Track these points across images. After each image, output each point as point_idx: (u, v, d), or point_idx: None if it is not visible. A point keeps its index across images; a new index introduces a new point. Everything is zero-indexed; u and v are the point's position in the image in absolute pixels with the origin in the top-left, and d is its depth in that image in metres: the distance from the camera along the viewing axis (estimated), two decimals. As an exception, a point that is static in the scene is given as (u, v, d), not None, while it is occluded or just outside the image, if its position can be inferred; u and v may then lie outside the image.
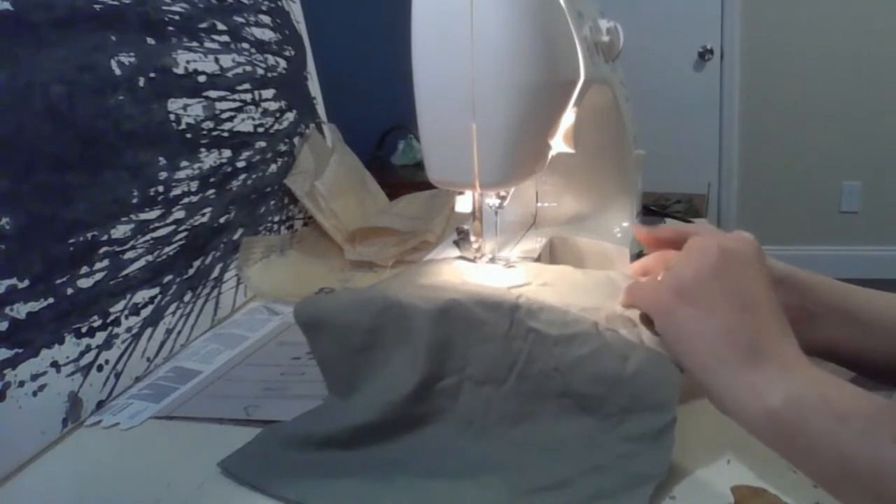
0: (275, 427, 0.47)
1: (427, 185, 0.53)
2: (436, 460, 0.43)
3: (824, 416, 0.34)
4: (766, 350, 0.38)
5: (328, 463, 0.43)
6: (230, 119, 0.76)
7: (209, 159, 0.71)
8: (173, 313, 0.63)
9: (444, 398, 0.45)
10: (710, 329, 0.39)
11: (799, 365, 0.37)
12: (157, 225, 0.62)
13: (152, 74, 0.64)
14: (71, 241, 0.53)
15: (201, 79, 0.72)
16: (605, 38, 0.55)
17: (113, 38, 0.60)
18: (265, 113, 0.83)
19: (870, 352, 0.48)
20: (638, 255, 0.77)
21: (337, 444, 0.44)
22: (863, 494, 0.33)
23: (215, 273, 0.70)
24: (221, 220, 0.72)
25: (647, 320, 0.45)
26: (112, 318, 0.56)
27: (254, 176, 0.79)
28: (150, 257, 0.61)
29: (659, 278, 0.46)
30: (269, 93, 0.84)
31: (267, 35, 0.86)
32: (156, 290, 0.61)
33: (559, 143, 0.52)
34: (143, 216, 0.61)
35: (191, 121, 0.69)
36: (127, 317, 0.58)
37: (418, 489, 0.41)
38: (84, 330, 0.53)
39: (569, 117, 0.51)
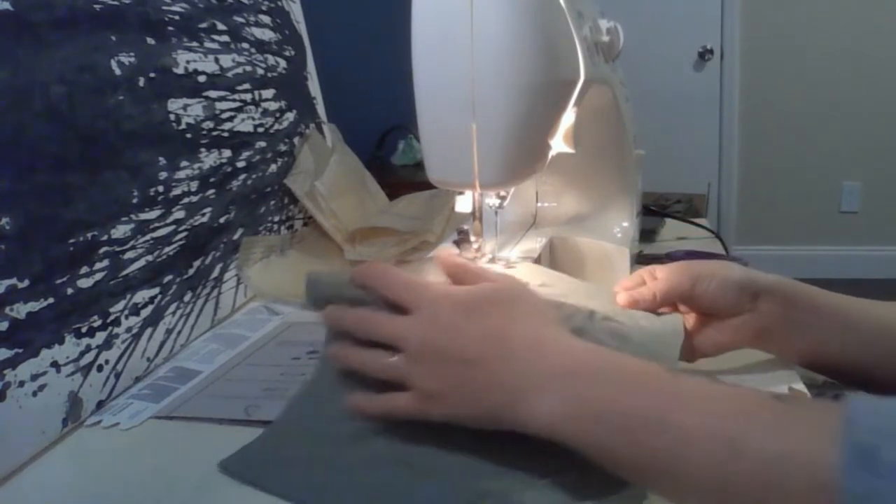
0: (275, 425, 0.47)
1: (427, 185, 0.53)
2: (440, 456, 0.43)
3: (583, 416, 0.36)
4: (520, 382, 0.39)
5: (330, 458, 0.43)
6: (230, 119, 0.76)
7: (209, 159, 0.71)
8: (173, 313, 0.63)
9: None
10: (463, 407, 0.41)
11: (551, 376, 0.38)
12: (157, 225, 0.62)
13: (152, 74, 0.64)
14: (71, 241, 0.53)
15: (201, 79, 0.72)
16: (605, 38, 0.55)
17: (113, 38, 0.60)
18: (265, 113, 0.83)
19: (853, 358, 0.48)
20: (638, 256, 0.77)
21: (340, 441, 0.44)
22: (630, 476, 0.37)
23: (215, 273, 0.70)
24: (221, 220, 0.72)
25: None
26: (112, 318, 0.56)
27: (254, 176, 0.79)
28: (150, 257, 0.61)
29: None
30: (269, 93, 0.84)
31: (267, 35, 0.86)
32: (156, 290, 0.61)
33: (559, 143, 0.52)
34: (143, 216, 0.61)
35: (191, 121, 0.69)
36: (127, 317, 0.58)
37: (421, 484, 0.41)
38: (84, 330, 0.53)
39: (569, 117, 0.51)
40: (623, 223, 0.70)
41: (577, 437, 0.37)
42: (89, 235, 0.55)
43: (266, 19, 0.87)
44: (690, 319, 0.50)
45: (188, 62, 0.70)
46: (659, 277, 0.50)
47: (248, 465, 0.44)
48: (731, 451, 0.32)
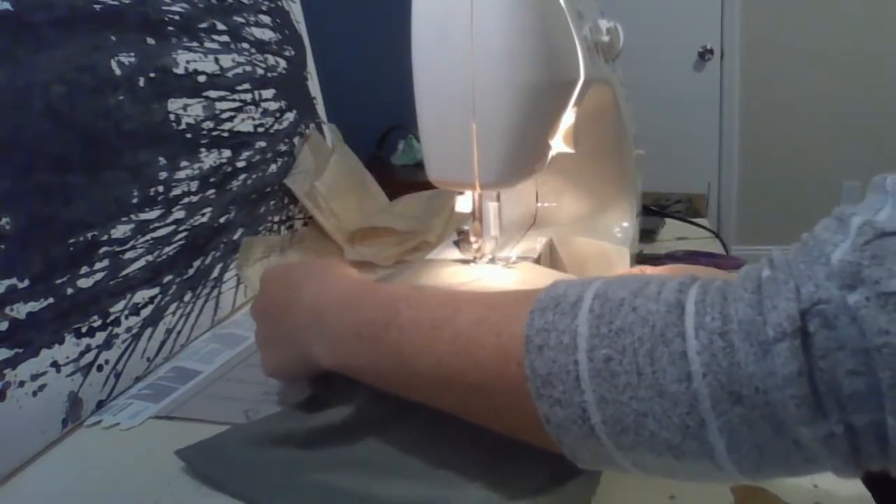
0: (236, 426, 0.47)
1: (427, 185, 0.53)
2: (398, 458, 0.43)
3: (348, 339, 0.42)
4: (304, 326, 0.45)
5: (286, 461, 0.43)
6: (230, 119, 0.76)
7: (209, 159, 0.71)
8: (173, 313, 0.63)
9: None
10: (277, 355, 0.50)
11: (323, 313, 0.44)
12: (157, 225, 0.62)
13: (152, 74, 0.64)
14: (71, 241, 0.53)
15: (201, 79, 0.72)
16: (605, 38, 0.55)
17: (113, 38, 0.60)
18: (265, 113, 0.83)
19: None
20: (638, 255, 0.77)
21: (295, 443, 0.44)
22: (394, 384, 0.41)
23: (215, 273, 0.70)
24: (221, 220, 0.72)
25: None
26: (112, 318, 0.56)
27: (254, 176, 0.79)
28: (150, 257, 0.61)
29: None
30: (269, 93, 0.84)
31: (267, 35, 0.86)
32: (156, 290, 0.61)
33: (559, 143, 0.52)
34: (143, 216, 0.61)
35: (191, 121, 0.69)
36: (127, 317, 0.58)
37: (379, 486, 0.40)
38: (84, 330, 0.53)
39: (569, 117, 0.51)
40: (623, 223, 0.70)
41: (344, 362, 0.43)
42: (89, 235, 0.55)
43: (266, 19, 0.87)
44: None
45: (188, 62, 0.70)
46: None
47: (206, 459, 0.44)
48: (434, 326, 0.36)
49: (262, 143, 0.81)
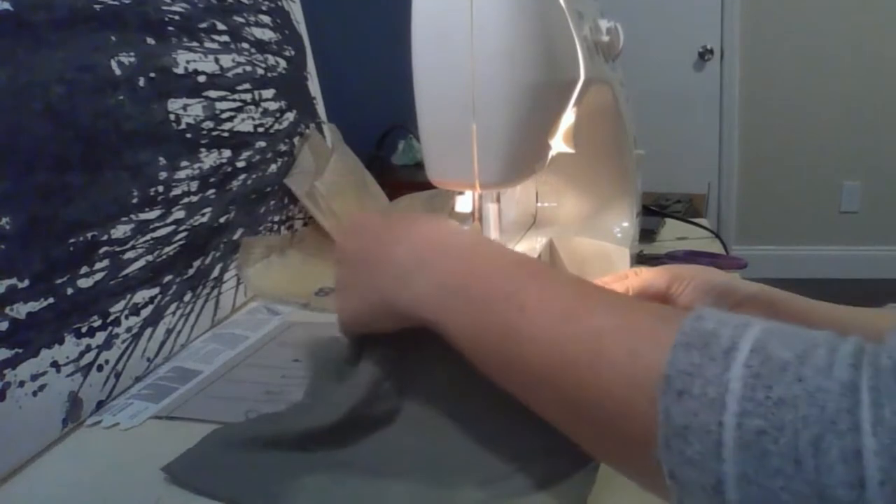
0: (220, 429, 0.47)
1: (427, 185, 0.53)
2: (387, 460, 0.43)
3: (452, 292, 0.39)
4: (403, 263, 0.42)
5: (274, 464, 0.43)
6: (230, 119, 0.76)
7: (209, 159, 0.71)
8: (173, 313, 0.63)
9: (391, 398, 0.46)
10: (363, 296, 0.46)
11: (428, 255, 0.41)
12: (157, 225, 0.62)
13: (152, 74, 0.64)
14: (71, 241, 0.53)
15: (201, 79, 0.72)
16: (605, 38, 0.55)
17: (113, 38, 0.60)
18: (265, 113, 0.83)
19: None
20: (638, 256, 0.77)
21: (285, 446, 0.44)
22: (487, 358, 0.37)
23: (215, 273, 0.70)
24: (221, 220, 0.72)
25: None
26: (112, 318, 0.56)
27: (254, 176, 0.79)
28: (150, 257, 0.61)
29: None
30: (269, 93, 0.84)
31: (267, 35, 0.86)
32: (156, 290, 0.61)
33: (559, 143, 0.52)
34: (143, 216, 0.61)
35: (191, 121, 0.69)
36: (127, 317, 0.58)
37: (367, 488, 0.40)
38: (84, 330, 0.53)
39: (569, 117, 0.51)
40: (623, 223, 0.70)
41: (437, 316, 0.39)
42: (89, 235, 0.55)
43: (266, 19, 0.87)
44: None
45: (188, 62, 0.70)
46: (639, 275, 0.51)
47: (193, 469, 0.43)
48: (564, 319, 0.33)
49: (262, 143, 0.81)
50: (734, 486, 0.24)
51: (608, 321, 0.31)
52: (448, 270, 0.39)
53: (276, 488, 0.41)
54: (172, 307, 0.63)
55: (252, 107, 0.80)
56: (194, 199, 0.68)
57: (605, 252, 0.66)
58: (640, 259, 0.77)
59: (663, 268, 0.51)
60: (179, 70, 0.69)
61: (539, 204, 0.73)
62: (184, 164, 0.67)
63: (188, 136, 0.68)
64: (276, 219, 0.84)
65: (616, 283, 0.50)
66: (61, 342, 0.51)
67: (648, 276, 0.50)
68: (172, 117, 0.67)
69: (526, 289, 0.35)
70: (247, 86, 0.80)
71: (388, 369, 0.46)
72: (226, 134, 0.74)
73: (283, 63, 0.89)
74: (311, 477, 0.42)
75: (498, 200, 0.54)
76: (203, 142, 0.71)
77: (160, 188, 0.63)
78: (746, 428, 0.24)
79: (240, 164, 0.76)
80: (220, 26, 0.76)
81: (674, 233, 0.93)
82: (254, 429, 0.46)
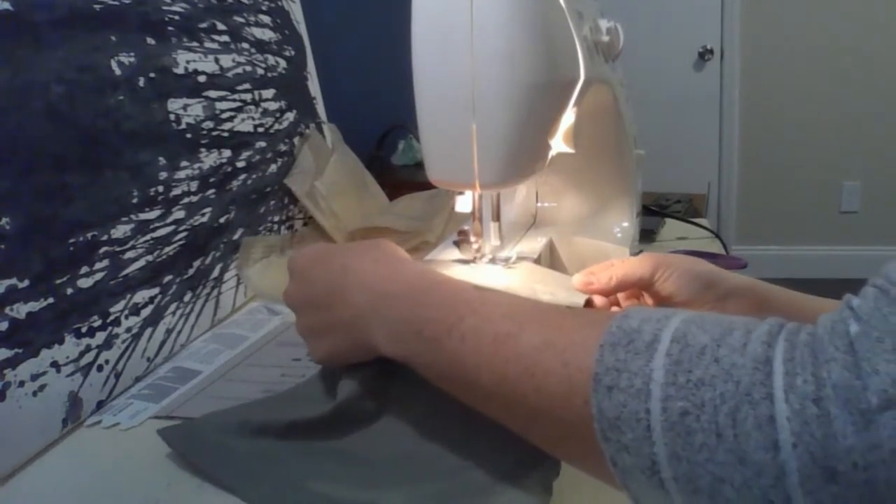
0: (217, 411, 0.48)
1: (427, 185, 0.53)
2: (371, 450, 0.44)
3: (408, 336, 0.41)
4: (361, 307, 0.43)
5: (260, 449, 0.44)
6: (230, 119, 0.76)
7: (209, 159, 0.71)
8: (173, 313, 0.63)
9: (378, 395, 0.47)
10: (330, 343, 0.47)
11: (383, 301, 0.43)
12: (157, 225, 0.62)
13: (152, 74, 0.64)
14: (71, 241, 0.53)
15: (201, 79, 0.72)
16: (605, 38, 0.55)
17: (113, 38, 0.60)
18: (265, 113, 0.83)
19: None
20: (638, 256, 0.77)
21: (272, 434, 0.45)
22: (450, 388, 0.40)
23: (215, 273, 0.70)
24: (221, 220, 0.72)
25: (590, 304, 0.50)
26: (112, 318, 0.56)
27: (254, 176, 0.79)
28: (150, 257, 0.61)
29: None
30: (269, 93, 0.84)
31: (267, 35, 0.86)
32: (156, 290, 0.61)
33: (559, 143, 0.52)
34: (143, 216, 0.61)
35: (191, 121, 0.69)
36: (127, 317, 0.58)
37: (347, 475, 0.41)
38: (84, 330, 0.53)
39: (569, 117, 0.51)
40: (623, 223, 0.70)
41: (404, 355, 0.41)
42: (89, 235, 0.55)
43: (266, 19, 0.87)
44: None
45: (188, 62, 0.70)
46: (624, 264, 0.51)
47: (186, 439, 0.45)
48: (497, 342, 0.35)
49: (262, 143, 0.81)
50: (667, 465, 0.26)
51: (538, 337, 0.34)
52: (399, 318, 0.41)
53: (258, 471, 0.42)
54: (172, 307, 0.63)
55: (252, 107, 0.80)
56: (194, 199, 0.68)
57: (605, 252, 0.66)
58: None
59: (648, 255, 0.50)
60: (179, 70, 0.69)
61: (539, 204, 0.73)
62: (184, 164, 0.67)
63: (188, 136, 0.68)
64: (276, 219, 0.84)
65: (602, 272, 0.50)
66: (61, 342, 0.51)
67: (633, 264, 0.50)
68: (172, 117, 0.67)
69: (463, 320, 0.38)
70: (247, 86, 0.80)
71: (368, 385, 0.47)
72: (226, 134, 0.74)
73: (283, 63, 0.89)
74: (294, 464, 0.43)
75: (498, 200, 0.54)
76: (203, 142, 0.71)
77: (160, 188, 0.63)
78: (671, 411, 0.26)
79: (240, 164, 0.76)
80: (220, 26, 0.76)
81: (674, 233, 0.93)
82: (245, 414, 0.47)
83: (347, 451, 0.44)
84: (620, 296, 0.53)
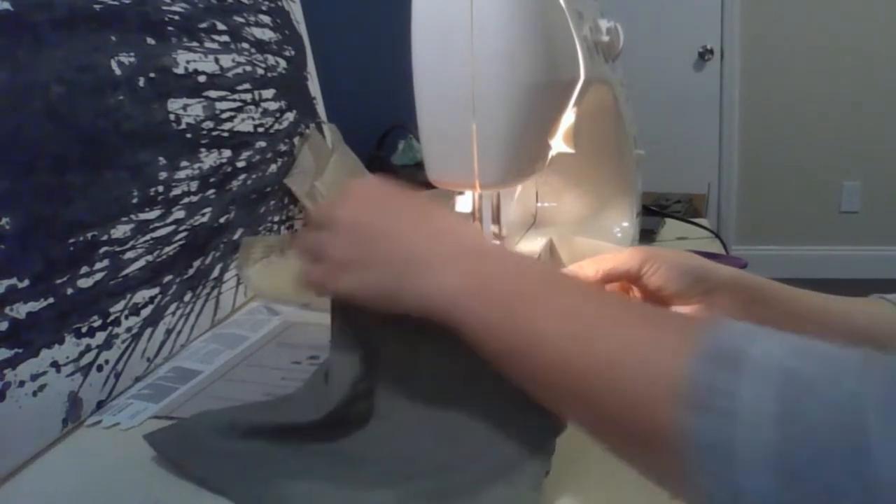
0: (205, 412, 0.48)
1: (427, 185, 0.53)
2: (363, 449, 0.44)
3: (474, 293, 0.37)
4: (425, 254, 0.40)
5: (249, 450, 0.44)
6: (230, 119, 0.76)
7: (209, 159, 0.71)
8: (173, 313, 0.63)
9: (368, 397, 0.47)
10: (370, 278, 0.41)
11: (453, 252, 0.39)
12: (157, 225, 0.62)
13: (152, 74, 0.64)
14: (71, 241, 0.53)
15: (201, 79, 0.72)
16: (605, 38, 0.55)
17: (113, 38, 0.60)
18: (265, 113, 0.83)
19: None
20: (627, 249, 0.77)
21: (262, 435, 0.45)
22: (507, 363, 0.36)
23: (215, 273, 0.70)
24: (221, 220, 0.72)
25: None
26: (112, 318, 0.56)
27: (254, 176, 0.79)
28: (150, 257, 0.61)
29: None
30: (269, 93, 0.84)
31: (267, 35, 0.86)
32: (156, 290, 0.61)
33: (559, 143, 0.52)
34: (143, 216, 0.61)
35: (191, 121, 0.69)
36: (127, 317, 0.58)
37: (337, 475, 0.41)
38: (84, 330, 0.53)
39: (569, 117, 0.51)
40: (623, 223, 0.70)
41: (464, 311, 0.37)
42: (89, 235, 0.55)
43: (266, 19, 0.87)
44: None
45: (188, 62, 0.70)
46: (613, 257, 0.50)
47: (173, 442, 0.45)
48: (586, 327, 0.33)
49: (262, 143, 0.81)
50: (756, 499, 0.24)
51: (631, 332, 0.31)
52: (466, 270, 0.38)
53: (249, 473, 0.42)
54: (172, 307, 0.63)
55: (252, 107, 0.80)
56: (194, 199, 0.68)
57: (604, 252, 0.66)
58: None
59: (636, 249, 0.50)
60: (179, 70, 0.69)
61: (539, 204, 0.73)
62: (184, 164, 0.67)
63: (188, 136, 0.68)
64: (276, 219, 0.84)
65: (591, 265, 0.50)
66: (61, 342, 0.51)
67: (622, 257, 0.49)
68: (172, 117, 0.67)
69: (546, 295, 0.35)
70: (247, 86, 0.80)
71: (364, 368, 0.46)
72: (226, 134, 0.74)
73: (283, 63, 0.89)
74: (283, 465, 0.43)
75: (498, 199, 0.54)
76: (203, 142, 0.71)
77: (160, 188, 0.63)
78: (766, 442, 0.24)
79: (240, 164, 0.76)
80: (220, 26, 0.76)
81: (674, 233, 0.93)
82: (234, 416, 0.47)
83: (337, 452, 0.44)
84: (608, 288, 0.53)
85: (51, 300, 0.50)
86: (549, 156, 0.51)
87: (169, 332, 0.62)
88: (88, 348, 0.53)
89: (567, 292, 0.36)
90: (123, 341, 0.57)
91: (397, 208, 0.43)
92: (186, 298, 0.65)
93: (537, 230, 0.70)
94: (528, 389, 0.36)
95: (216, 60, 0.75)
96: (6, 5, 0.50)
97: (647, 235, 0.88)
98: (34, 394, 0.48)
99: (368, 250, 0.41)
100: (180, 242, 0.65)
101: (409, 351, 0.45)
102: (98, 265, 0.55)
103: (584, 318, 0.33)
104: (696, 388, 0.26)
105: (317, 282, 0.44)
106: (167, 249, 0.63)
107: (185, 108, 0.68)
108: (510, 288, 0.36)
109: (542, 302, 0.35)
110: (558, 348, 0.33)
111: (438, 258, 0.39)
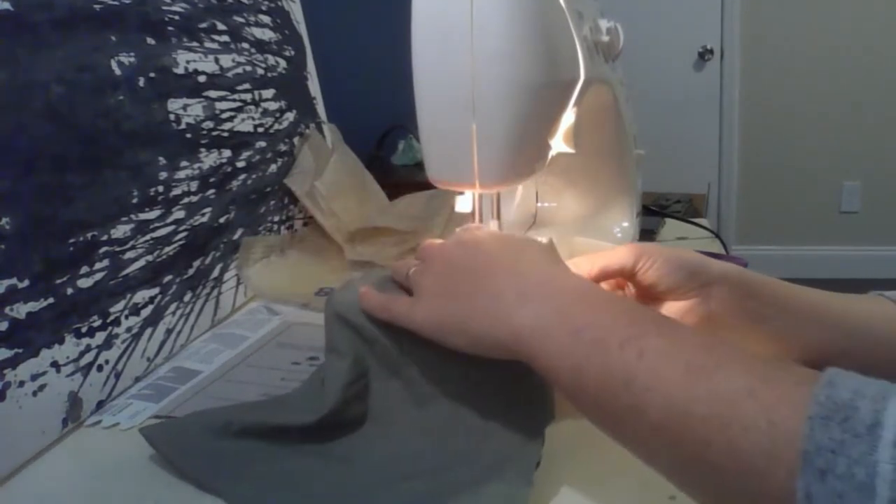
0: (201, 411, 0.48)
1: (427, 185, 0.53)
2: (355, 452, 0.44)
3: (560, 329, 0.36)
4: (506, 291, 0.40)
5: (243, 450, 0.44)
6: (230, 119, 0.76)
7: (209, 159, 0.71)
8: (173, 313, 0.63)
9: (362, 400, 0.47)
10: (447, 310, 0.42)
11: (538, 290, 0.39)
12: (157, 225, 0.62)
13: (152, 74, 0.64)
14: (71, 241, 0.53)
15: (201, 79, 0.72)
16: (605, 38, 0.55)
17: (113, 38, 0.60)
18: (265, 113, 0.83)
19: (817, 351, 0.46)
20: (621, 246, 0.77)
21: (256, 436, 0.45)
22: (594, 404, 0.35)
23: (215, 273, 0.70)
24: (221, 220, 0.72)
25: None
26: (112, 318, 0.56)
27: (254, 176, 0.79)
28: (150, 257, 0.61)
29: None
30: (269, 93, 0.84)
31: (267, 35, 0.86)
32: (156, 290, 0.61)
33: (559, 143, 0.52)
34: (143, 216, 0.61)
35: (191, 121, 0.69)
36: (127, 317, 0.58)
37: (332, 476, 0.42)
38: (84, 330, 0.53)
39: (569, 117, 0.51)
40: (623, 223, 0.70)
41: (544, 353, 0.37)
42: (89, 235, 0.55)
43: (266, 19, 0.87)
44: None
45: (188, 62, 0.70)
46: (607, 253, 0.50)
47: (168, 438, 0.45)
48: (688, 372, 0.31)
49: (262, 143, 0.81)
50: None
51: (741, 382, 0.29)
52: (558, 309, 0.37)
53: (242, 473, 0.42)
54: (172, 307, 0.63)
55: (252, 107, 0.80)
56: (194, 199, 0.68)
57: (604, 252, 0.66)
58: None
59: (631, 245, 0.50)
60: (179, 70, 0.69)
61: (539, 204, 0.73)
62: (184, 164, 0.67)
63: (188, 136, 0.69)
64: (276, 219, 0.84)
65: (585, 262, 0.50)
66: (61, 342, 0.51)
67: (616, 254, 0.49)
68: (172, 117, 0.67)
69: (645, 336, 0.33)
70: (247, 86, 0.80)
71: (357, 372, 0.47)
72: (226, 134, 0.74)
73: (283, 63, 0.89)
74: (277, 465, 0.43)
75: (498, 199, 0.54)
76: (203, 142, 0.71)
77: (160, 188, 0.63)
78: None
79: (240, 164, 0.76)
80: (220, 26, 0.76)
81: (674, 233, 0.93)
82: (230, 416, 0.47)
83: (332, 453, 0.44)
84: (603, 285, 0.53)
85: (51, 300, 0.50)
86: (549, 156, 0.51)
87: (169, 332, 0.62)
88: (88, 348, 0.53)
89: (665, 332, 0.34)
90: (123, 341, 0.57)
91: (496, 248, 0.44)
92: (186, 298, 0.65)
93: (537, 230, 0.70)
94: (608, 431, 0.35)
95: (216, 60, 0.75)
96: (6, 5, 0.50)
97: (647, 235, 0.88)
98: (34, 394, 0.48)
99: (454, 283, 0.42)
100: (180, 242, 0.65)
101: (398, 353, 0.46)
102: (98, 265, 0.55)
103: (687, 363, 0.32)
104: (810, 448, 0.25)
105: (396, 312, 0.44)
106: (167, 249, 0.63)
107: (185, 108, 0.68)
108: (601, 328, 0.35)
109: (637, 344, 0.33)
110: (656, 392, 0.32)
111: (521, 293, 0.39)
